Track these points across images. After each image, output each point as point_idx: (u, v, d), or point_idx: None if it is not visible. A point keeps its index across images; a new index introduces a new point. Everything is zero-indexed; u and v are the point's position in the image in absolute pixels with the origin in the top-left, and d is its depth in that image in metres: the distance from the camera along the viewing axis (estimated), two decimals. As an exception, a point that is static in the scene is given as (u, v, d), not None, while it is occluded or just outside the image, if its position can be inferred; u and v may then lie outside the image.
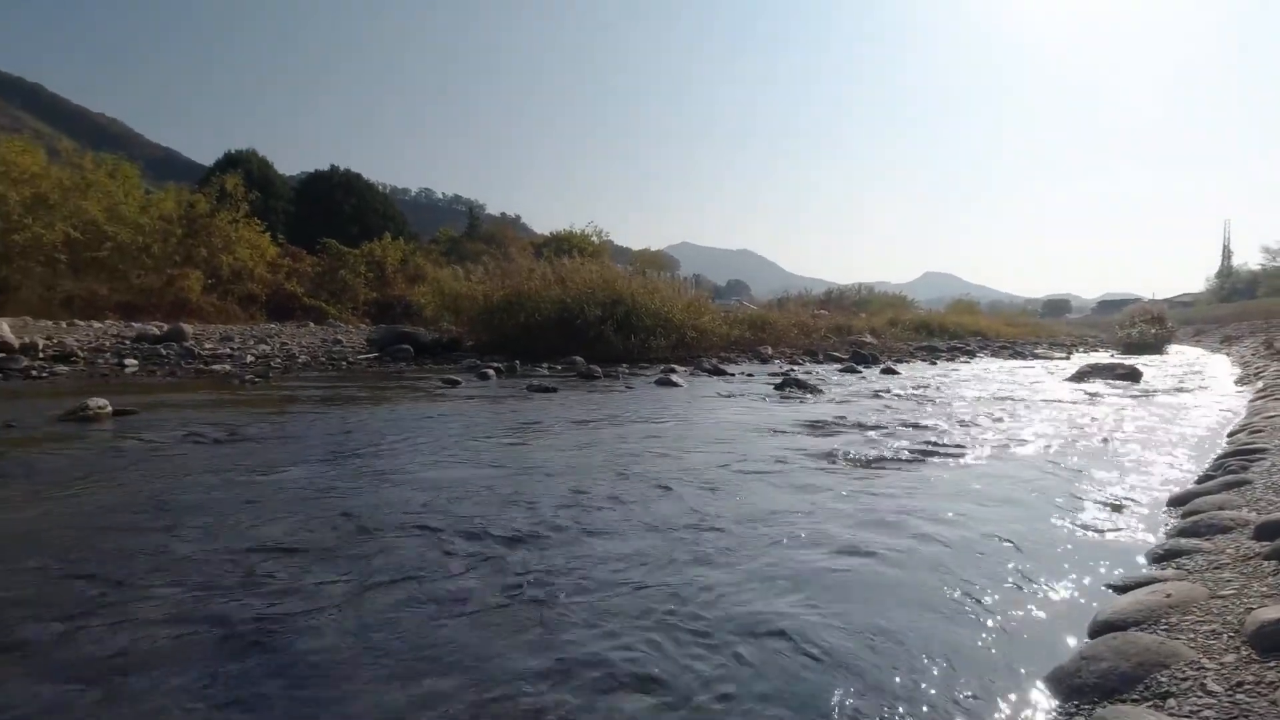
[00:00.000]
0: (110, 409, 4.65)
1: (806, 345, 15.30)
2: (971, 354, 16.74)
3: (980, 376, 10.03)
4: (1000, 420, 5.13)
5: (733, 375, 9.17)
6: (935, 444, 4.05)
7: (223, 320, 23.23)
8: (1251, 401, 6.12)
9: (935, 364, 13.33)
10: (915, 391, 7.26)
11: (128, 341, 12.66)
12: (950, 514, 2.59)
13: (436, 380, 7.50)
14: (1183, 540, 2.08)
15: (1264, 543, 1.90)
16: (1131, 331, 22.96)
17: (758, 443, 4.16)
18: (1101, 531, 2.39)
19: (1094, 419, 5.18)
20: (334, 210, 47.73)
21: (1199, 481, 2.80)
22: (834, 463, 3.57)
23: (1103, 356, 19.35)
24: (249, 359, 9.74)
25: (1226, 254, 72.96)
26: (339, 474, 3.21)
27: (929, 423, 4.93)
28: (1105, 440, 4.19)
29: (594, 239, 48.01)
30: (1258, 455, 3.16)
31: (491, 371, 8.26)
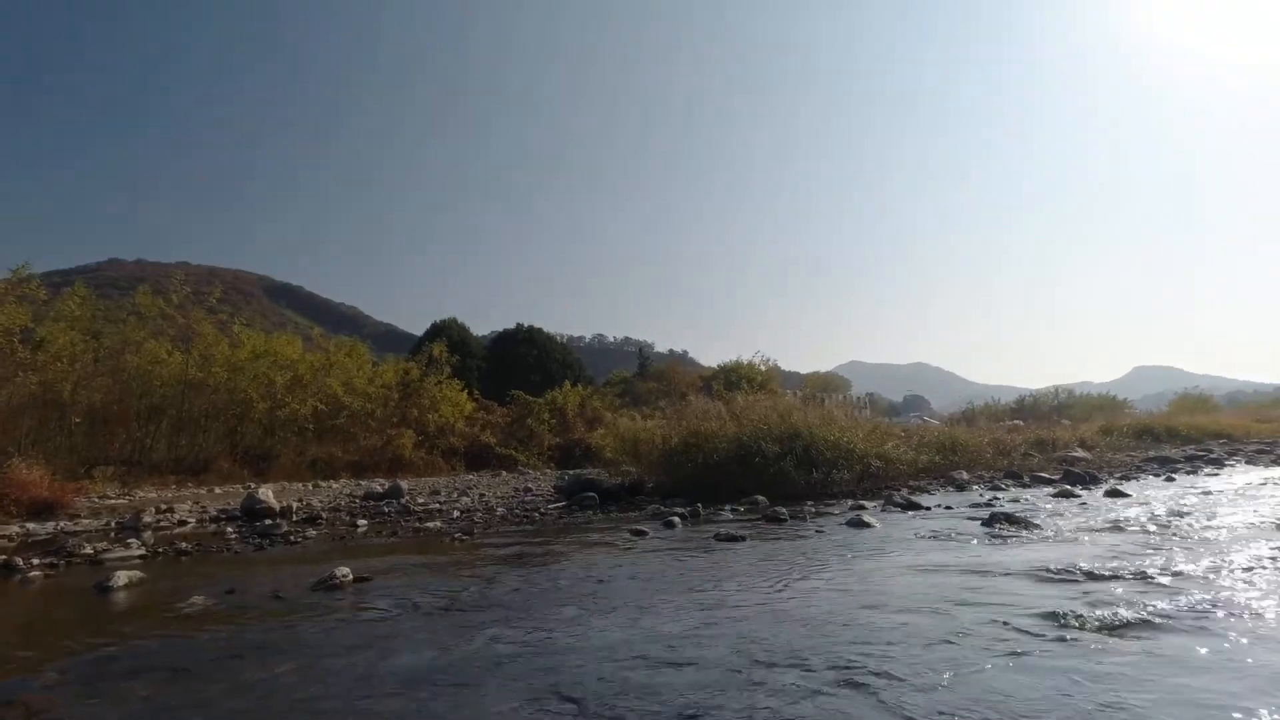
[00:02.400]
0: (352, 576, 5.30)
1: (1005, 466, 13.88)
2: (1218, 463, 14.24)
3: (1239, 493, 8.46)
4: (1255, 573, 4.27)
5: (928, 509, 8.51)
6: (1156, 608, 3.47)
7: (430, 472, 25.81)
8: None
9: (1173, 479, 11.49)
10: (1149, 521, 6.27)
11: (358, 500, 14.46)
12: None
13: (625, 531, 7.71)
14: None
15: None
16: None
17: (978, 610, 3.79)
18: None
19: None
20: (519, 363, 52.71)
21: None
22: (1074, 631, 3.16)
23: None
24: (455, 514, 10.66)
25: None
26: (542, 642, 3.38)
27: (1187, 567, 4.23)
28: None
29: (761, 367, 48.33)
30: None
31: (676, 519, 8.34)
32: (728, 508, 9.81)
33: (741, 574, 5.05)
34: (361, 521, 10.01)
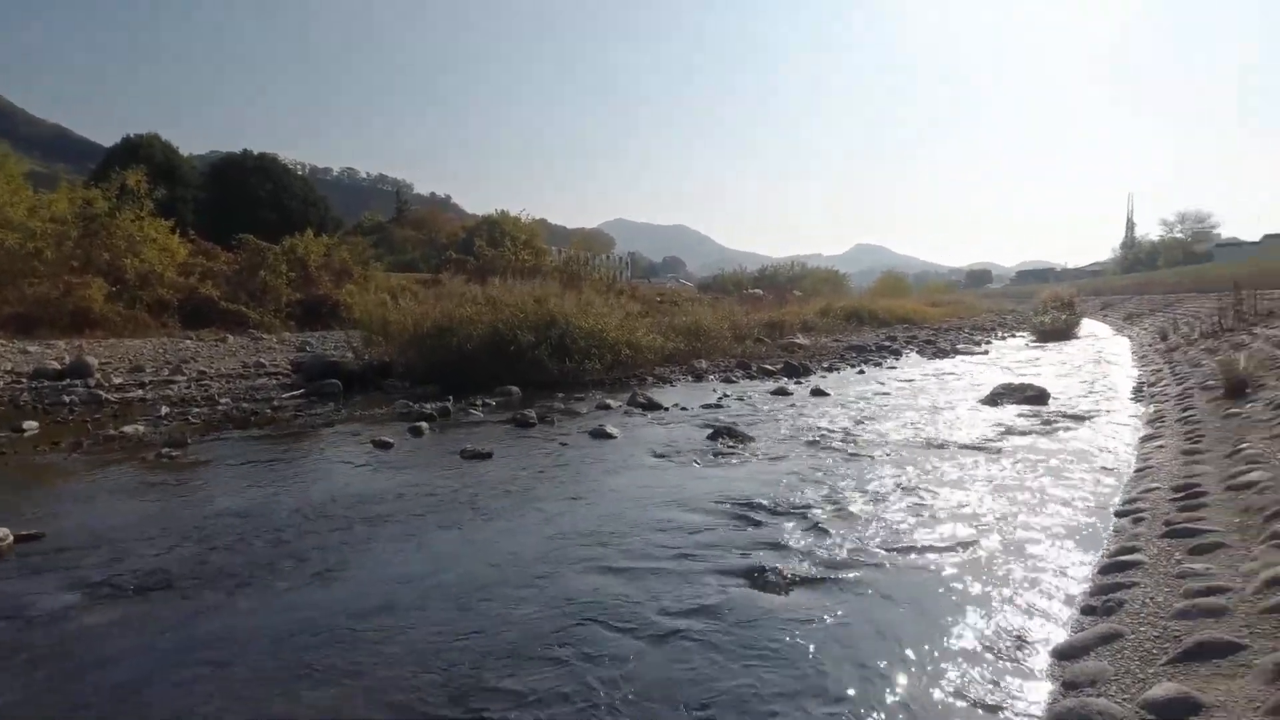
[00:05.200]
0: (11, 538, 4.39)
1: (740, 355, 15.62)
2: (898, 354, 17.42)
3: (906, 392, 10.49)
4: (910, 491, 5.39)
5: (666, 409, 9.30)
6: (837, 550, 4.27)
7: (134, 332, 21.86)
8: (1141, 443, 6.65)
9: (863, 371, 13.84)
10: (840, 433, 7.55)
11: (24, 381, 11.87)
12: (820, 675, 2.77)
13: (369, 443, 7.33)
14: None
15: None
16: (1044, 319, 24.49)
17: (678, 541, 4.27)
18: (991, 709, 2.60)
19: (998, 485, 5.51)
20: (248, 198, 45.30)
21: (1075, 631, 3.07)
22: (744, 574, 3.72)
23: (1018, 346, 20.50)
24: (163, 409, 9.27)
25: (1130, 226, 77.71)
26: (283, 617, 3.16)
27: (842, 500, 5.16)
28: (1003, 536, 4.49)
29: (525, 221, 46.99)
30: (1129, 570, 3.48)
31: (424, 425, 8.12)
32: (480, 403, 9.79)
33: (481, 503, 5.12)
34: (30, 423, 8.26)
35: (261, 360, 15.65)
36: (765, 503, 5.12)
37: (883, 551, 4.17)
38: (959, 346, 19.44)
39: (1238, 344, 10.94)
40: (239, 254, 29.35)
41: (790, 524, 4.68)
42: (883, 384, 11.88)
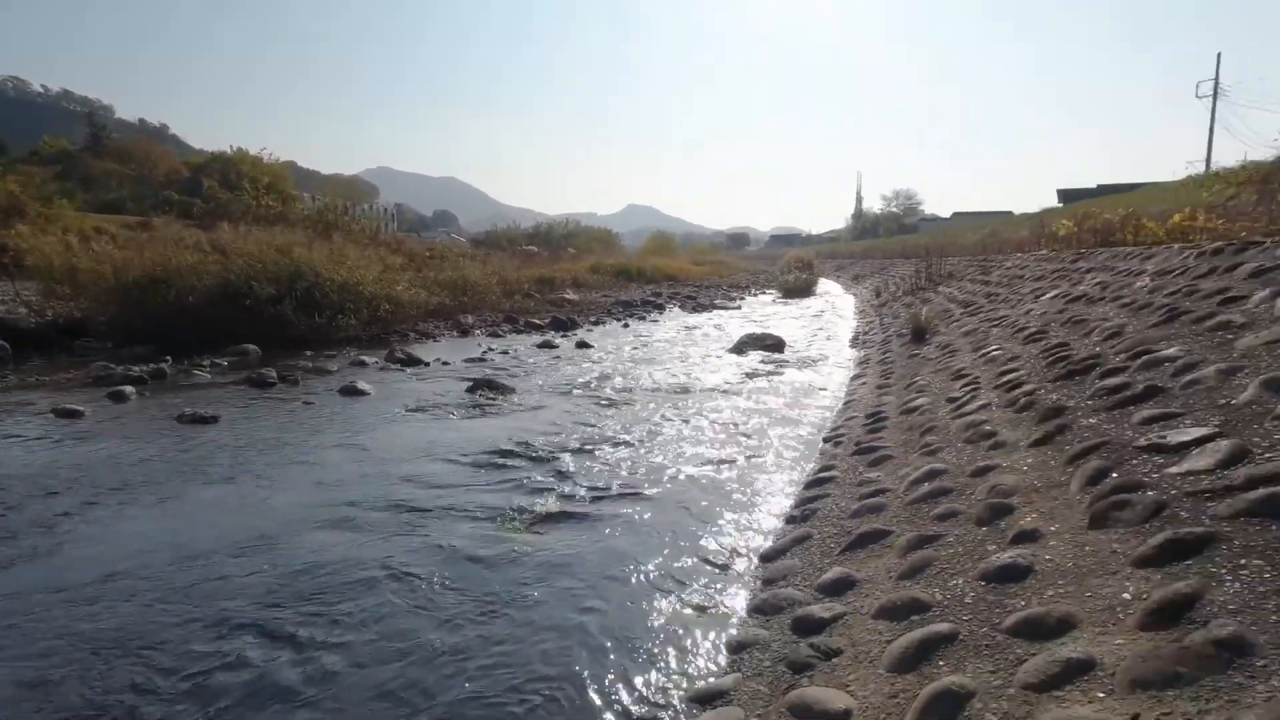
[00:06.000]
0: None
1: (509, 309, 15.43)
2: (661, 308, 18.43)
3: (665, 344, 11.17)
4: (657, 433, 5.77)
5: (427, 364, 8.91)
6: (583, 489, 4.46)
7: None
8: (851, 381, 7.77)
9: (628, 325, 14.45)
10: (599, 382, 7.82)
11: None
12: (561, 598, 2.91)
13: (48, 411, 6.04)
14: (752, 630, 2.62)
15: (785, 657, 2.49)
16: (788, 278, 27.57)
17: (428, 499, 4.15)
18: (701, 609, 2.89)
19: (734, 424, 6.11)
20: None
21: (778, 538, 3.53)
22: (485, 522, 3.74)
23: (766, 301, 22.80)
24: None
25: (859, 199, 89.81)
26: None
27: (593, 444, 5.38)
28: (734, 466, 5.00)
29: (267, 160, 41.19)
30: (826, 485, 4.07)
31: (130, 388, 6.89)
32: (208, 364, 8.56)
33: (198, 471, 4.50)
34: None
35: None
36: (518, 450, 5.14)
37: (623, 488, 4.40)
38: (716, 302, 21.12)
39: (925, 300, 13.20)
40: None
41: (540, 469, 4.75)
42: (644, 336, 12.52)
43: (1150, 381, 3.34)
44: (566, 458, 4.98)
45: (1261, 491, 2.00)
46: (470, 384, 7.37)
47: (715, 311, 18.32)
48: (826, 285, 31.62)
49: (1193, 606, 1.68)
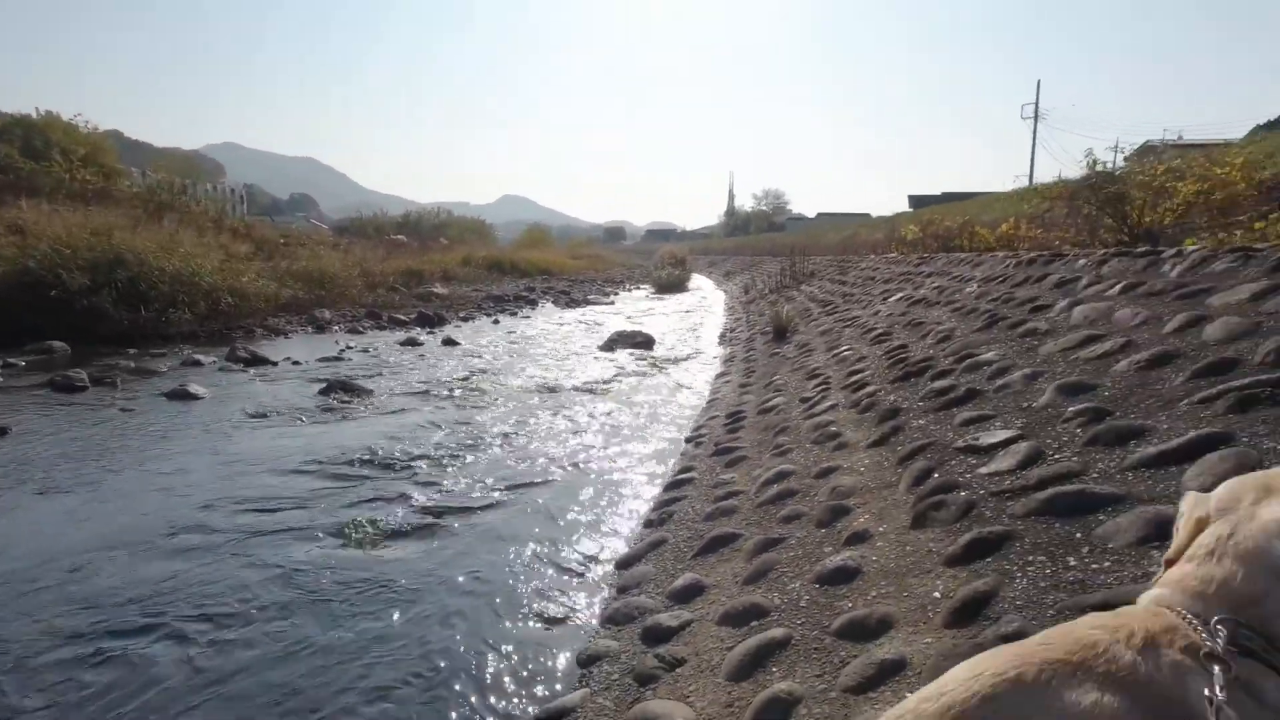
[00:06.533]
0: None
1: (372, 303, 14.59)
2: (535, 304, 18.15)
3: (535, 341, 10.98)
4: (521, 435, 5.65)
5: (275, 364, 8.22)
6: (438, 498, 4.28)
7: None
8: (715, 379, 7.98)
9: (499, 321, 14.10)
10: (464, 383, 7.55)
11: None
12: (422, 602, 2.77)
13: None
14: (602, 641, 2.60)
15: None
16: (662, 274, 28.09)
17: (256, 520, 3.81)
18: (556, 621, 2.84)
19: (600, 424, 6.09)
20: None
21: (635, 543, 3.54)
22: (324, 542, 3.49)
23: (640, 297, 23.05)
24: None
25: (731, 197, 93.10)
26: None
27: (453, 449, 5.18)
28: (597, 467, 4.97)
29: (84, 128, 36.30)
30: (684, 486, 4.13)
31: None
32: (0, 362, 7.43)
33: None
34: None
35: None
36: (371, 458, 4.84)
37: (483, 496, 4.26)
38: (590, 297, 21.09)
39: (789, 298, 13.84)
40: None
41: (394, 478, 4.50)
42: (515, 333, 12.26)
43: (971, 384, 3.65)
44: (423, 465, 4.75)
45: (1050, 491, 2.22)
46: (323, 386, 6.88)
47: (589, 307, 18.30)
48: (699, 281, 32.48)
49: (989, 603, 1.82)
